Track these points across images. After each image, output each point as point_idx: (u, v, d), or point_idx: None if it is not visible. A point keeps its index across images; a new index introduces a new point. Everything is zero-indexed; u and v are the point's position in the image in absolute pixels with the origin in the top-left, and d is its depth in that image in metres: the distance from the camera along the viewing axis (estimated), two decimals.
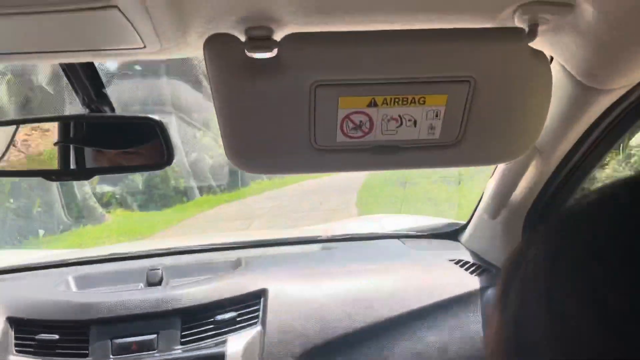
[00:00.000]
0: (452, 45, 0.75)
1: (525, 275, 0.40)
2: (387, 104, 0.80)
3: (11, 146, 0.89)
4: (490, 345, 0.43)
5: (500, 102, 0.82)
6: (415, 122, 0.83)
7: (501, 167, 1.19)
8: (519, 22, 0.74)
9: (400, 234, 1.79)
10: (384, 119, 0.82)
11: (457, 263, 1.47)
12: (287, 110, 0.79)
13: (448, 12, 0.74)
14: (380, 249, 1.68)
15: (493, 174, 1.28)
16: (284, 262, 1.51)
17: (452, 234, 1.73)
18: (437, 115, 0.82)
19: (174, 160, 0.90)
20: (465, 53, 0.76)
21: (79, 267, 1.60)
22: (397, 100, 0.80)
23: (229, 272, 1.45)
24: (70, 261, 1.65)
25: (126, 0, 0.56)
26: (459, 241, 1.68)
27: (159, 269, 1.44)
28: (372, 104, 0.80)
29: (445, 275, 1.41)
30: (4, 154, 0.89)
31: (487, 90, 0.79)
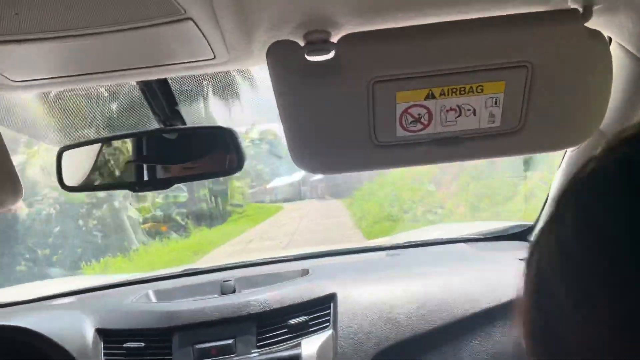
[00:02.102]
0: (507, 31, 0.77)
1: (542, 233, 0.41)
2: (444, 95, 0.82)
3: (97, 163, 0.98)
4: (518, 307, 0.44)
5: (560, 85, 0.82)
6: (474, 111, 0.84)
7: (568, 155, 1.17)
8: (572, 3, 0.75)
9: (465, 238, 1.77)
10: (443, 110, 0.83)
11: None
12: (347, 109, 0.83)
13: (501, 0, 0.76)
14: (446, 253, 1.66)
15: (560, 164, 1.26)
16: (350, 269, 1.53)
17: (520, 234, 1.70)
18: (496, 103, 0.83)
19: None
20: (520, 38, 0.77)
21: (156, 283, 1.69)
22: (454, 90, 0.82)
23: (298, 279, 1.49)
24: (147, 278, 1.75)
25: (199, 12, 0.62)
26: (528, 241, 1.65)
27: (231, 281, 1.50)
28: (430, 96, 0.82)
29: (517, 274, 1.38)
30: (91, 170, 0.98)
31: (546, 74, 0.80)
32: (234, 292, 1.47)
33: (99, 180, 0.99)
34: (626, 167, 0.35)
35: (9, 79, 0.77)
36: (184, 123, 1.00)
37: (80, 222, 8.96)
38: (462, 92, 0.82)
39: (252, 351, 1.26)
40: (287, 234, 11.13)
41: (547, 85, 0.81)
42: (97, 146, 0.98)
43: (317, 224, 11.98)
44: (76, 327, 1.33)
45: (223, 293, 1.48)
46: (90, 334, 1.32)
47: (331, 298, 1.34)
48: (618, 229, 0.33)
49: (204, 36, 0.68)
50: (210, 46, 0.72)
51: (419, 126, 0.85)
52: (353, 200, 13.30)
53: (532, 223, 1.69)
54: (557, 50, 0.78)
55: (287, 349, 1.25)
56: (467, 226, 2.20)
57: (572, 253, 0.36)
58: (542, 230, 0.41)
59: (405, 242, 1.78)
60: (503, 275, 1.39)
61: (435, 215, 9.96)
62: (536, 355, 0.39)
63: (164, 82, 0.93)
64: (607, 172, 0.37)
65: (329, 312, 1.32)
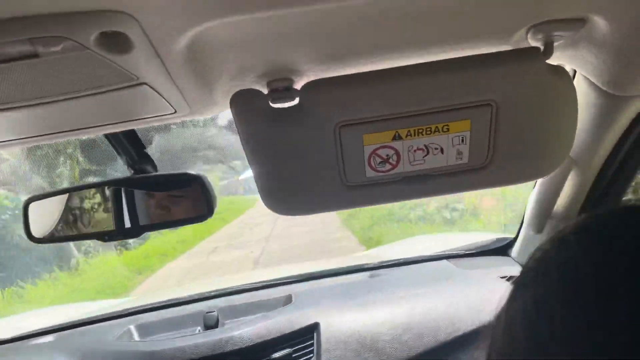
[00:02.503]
0: (469, 71, 0.76)
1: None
2: (411, 136, 0.82)
3: (65, 213, 0.96)
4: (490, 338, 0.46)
5: (526, 121, 0.82)
6: (442, 150, 0.84)
7: (540, 180, 1.17)
8: (533, 42, 0.75)
9: (448, 255, 1.77)
10: (410, 150, 0.83)
11: (508, 279, 1.44)
12: (315, 153, 0.82)
13: (461, 41, 0.76)
14: (429, 271, 1.66)
15: (534, 187, 1.27)
16: (334, 293, 1.53)
17: (502, 249, 1.70)
18: (463, 141, 0.83)
19: None
20: (483, 77, 0.77)
21: (139, 316, 1.66)
22: (420, 131, 0.81)
23: (281, 308, 1.47)
24: (130, 311, 1.72)
25: (153, 77, 0.61)
26: (509, 256, 1.65)
27: (214, 312, 1.49)
28: (397, 137, 0.82)
29: (497, 294, 1.38)
30: (59, 221, 0.96)
31: (510, 111, 0.80)
32: (217, 323, 1.46)
33: (68, 230, 0.97)
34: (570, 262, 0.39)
35: None
36: (154, 167, 0.99)
37: (4, 232, 7.15)
38: (429, 132, 0.82)
39: None
40: (261, 239, 9.34)
41: (512, 121, 0.81)
42: (64, 196, 0.96)
43: (295, 224, 10.18)
44: None
45: (206, 325, 1.46)
46: None
47: (314, 328, 1.33)
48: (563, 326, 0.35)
49: (162, 96, 0.67)
50: (169, 104, 0.71)
51: (388, 166, 0.85)
52: None
53: (513, 237, 1.70)
54: (520, 88, 0.78)
55: None
56: (450, 238, 2.21)
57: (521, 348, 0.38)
58: (506, 304, 0.43)
59: (388, 261, 1.78)
60: (485, 296, 1.39)
61: (454, 213, 8.20)
62: None
63: (130, 131, 0.92)
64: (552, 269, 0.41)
65: (313, 343, 1.31)
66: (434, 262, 1.73)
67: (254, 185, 0.86)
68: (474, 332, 1.30)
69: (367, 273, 1.72)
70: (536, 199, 1.21)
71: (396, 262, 1.76)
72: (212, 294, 1.73)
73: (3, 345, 1.60)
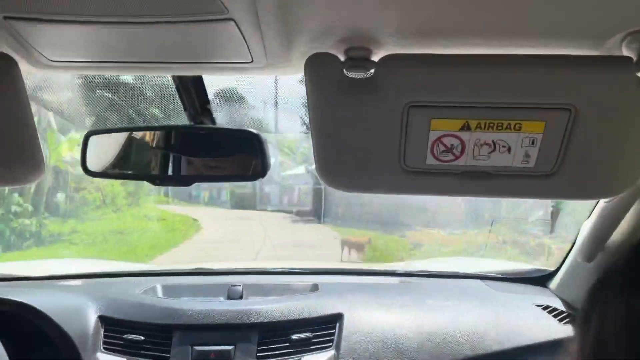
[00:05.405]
0: (553, 71, 0.74)
1: (606, 300, 0.40)
2: (480, 128, 0.80)
3: (122, 151, 0.98)
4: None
5: (602, 134, 0.78)
6: (509, 149, 0.81)
7: (600, 205, 1.13)
8: (627, 51, 0.72)
9: (483, 275, 1.72)
10: (477, 144, 0.81)
11: (544, 309, 1.39)
12: (379, 130, 0.81)
13: (550, 38, 0.73)
14: (461, 287, 1.62)
15: (590, 214, 1.22)
16: (361, 290, 1.50)
17: (539, 279, 1.64)
18: (533, 143, 0.80)
19: None
20: (566, 80, 0.74)
21: (166, 277, 1.68)
22: (491, 124, 0.79)
23: (307, 294, 1.46)
24: (158, 271, 1.74)
25: (242, 14, 0.61)
26: (547, 287, 1.59)
27: (239, 286, 1.49)
28: (465, 128, 0.80)
29: (531, 320, 1.34)
30: (115, 158, 0.98)
31: (589, 121, 0.76)
32: (241, 297, 1.46)
33: (122, 169, 0.99)
34: None
35: (47, 58, 0.78)
36: (213, 122, 1.00)
37: None
38: (500, 128, 0.79)
39: None
40: None
41: (589, 131, 0.77)
42: (123, 134, 0.98)
43: None
44: (80, 311, 1.33)
45: (230, 297, 1.46)
46: (92, 320, 1.31)
47: (338, 318, 1.32)
48: None
49: (244, 38, 0.67)
50: (249, 49, 0.71)
51: (450, 157, 0.83)
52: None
53: (552, 269, 1.64)
54: (604, 98, 0.75)
55: None
56: (486, 263, 2.14)
57: None
58: (609, 295, 0.40)
59: (420, 271, 1.74)
60: (517, 320, 1.34)
61: None
62: None
63: (198, 79, 0.93)
64: None
65: (334, 332, 1.29)
66: (467, 279, 1.68)
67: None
68: (500, 353, 1.26)
69: (398, 278, 1.69)
70: (593, 224, 1.16)
71: (428, 273, 1.72)
72: (239, 270, 1.74)
73: (32, 282, 1.64)
